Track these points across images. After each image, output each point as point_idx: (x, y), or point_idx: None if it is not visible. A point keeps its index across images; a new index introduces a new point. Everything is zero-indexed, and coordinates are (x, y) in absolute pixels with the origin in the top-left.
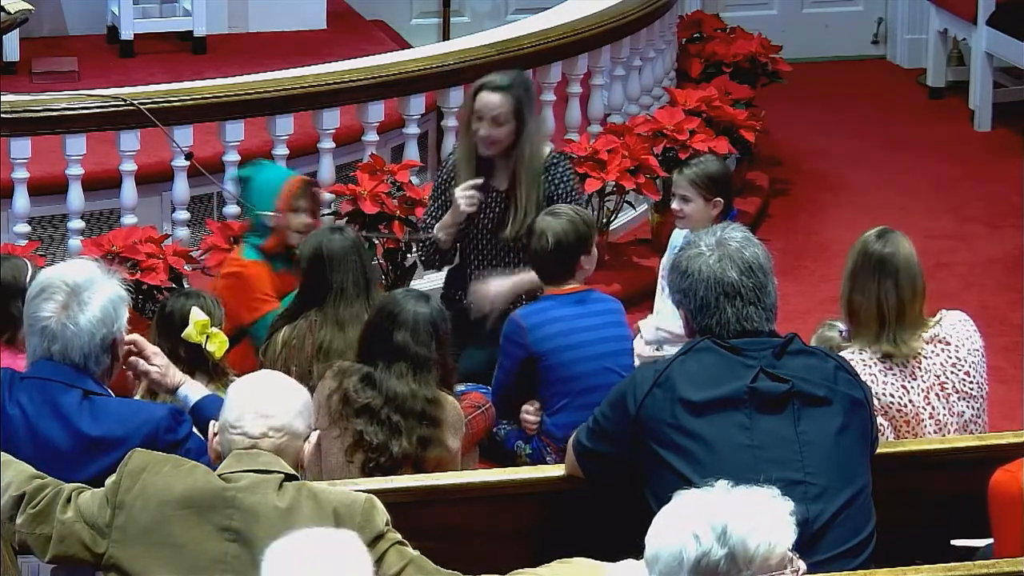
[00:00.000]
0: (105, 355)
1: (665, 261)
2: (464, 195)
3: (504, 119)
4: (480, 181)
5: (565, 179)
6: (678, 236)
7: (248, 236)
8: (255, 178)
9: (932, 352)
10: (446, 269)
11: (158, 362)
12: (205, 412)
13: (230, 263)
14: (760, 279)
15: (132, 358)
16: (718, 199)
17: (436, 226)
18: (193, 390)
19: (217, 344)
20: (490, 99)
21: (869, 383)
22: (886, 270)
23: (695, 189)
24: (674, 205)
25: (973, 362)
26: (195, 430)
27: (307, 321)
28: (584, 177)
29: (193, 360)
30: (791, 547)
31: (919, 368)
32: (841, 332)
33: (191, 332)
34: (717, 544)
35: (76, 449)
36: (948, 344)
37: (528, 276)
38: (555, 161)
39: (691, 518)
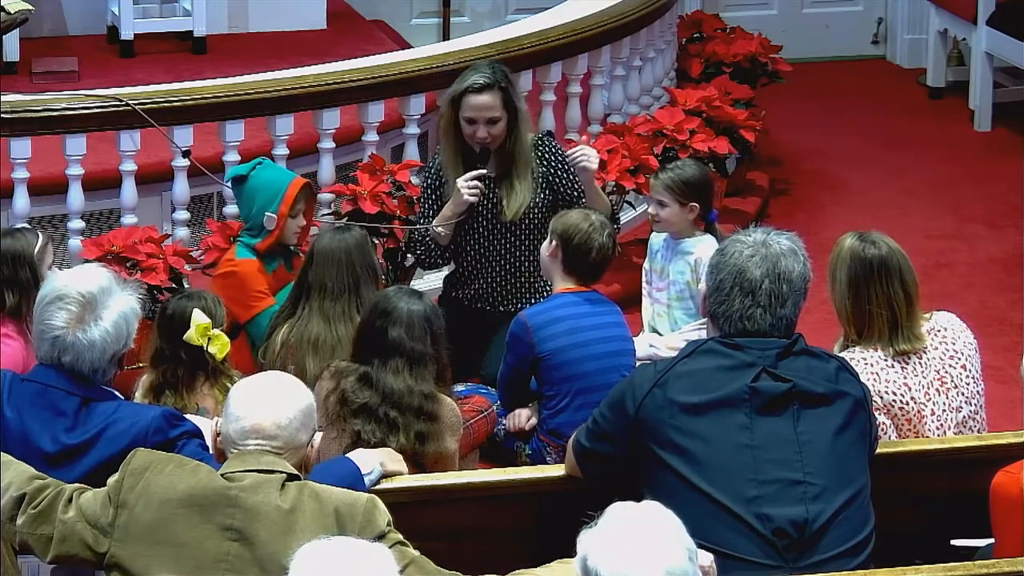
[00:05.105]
0: (112, 367)
1: (647, 265)
2: (466, 185)
3: (499, 115)
4: (484, 172)
5: (559, 155)
6: (657, 239)
7: (241, 235)
8: (256, 177)
9: (931, 345)
10: (444, 271)
11: None
12: None
13: (224, 264)
14: (781, 290)
15: None
16: (694, 204)
17: (435, 220)
18: None
19: (218, 347)
20: (480, 101)
21: (871, 382)
22: (890, 270)
23: (670, 194)
24: (650, 209)
25: (968, 355)
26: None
27: (301, 319)
28: None
29: (195, 362)
30: None
31: (920, 363)
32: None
33: (192, 335)
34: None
35: (62, 457)
36: (944, 337)
37: None
38: (541, 140)
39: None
